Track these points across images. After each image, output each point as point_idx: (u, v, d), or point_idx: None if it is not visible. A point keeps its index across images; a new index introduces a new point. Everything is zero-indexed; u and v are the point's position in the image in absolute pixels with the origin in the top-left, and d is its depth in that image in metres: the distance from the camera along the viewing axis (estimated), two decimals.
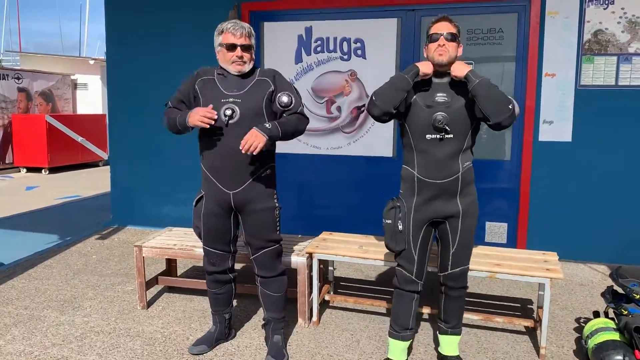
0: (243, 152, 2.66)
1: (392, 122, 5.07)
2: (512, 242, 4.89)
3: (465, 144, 2.70)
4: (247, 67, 2.88)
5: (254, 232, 2.95)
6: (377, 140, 5.12)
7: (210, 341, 3.18)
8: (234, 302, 3.29)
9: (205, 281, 3.20)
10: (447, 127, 2.62)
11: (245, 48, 2.84)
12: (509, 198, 4.88)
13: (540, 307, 3.27)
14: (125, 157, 5.91)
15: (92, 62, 13.13)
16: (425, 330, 3.44)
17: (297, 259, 3.46)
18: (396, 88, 2.62)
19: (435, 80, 2.71)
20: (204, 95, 2.89)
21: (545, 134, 4.69)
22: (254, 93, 2.86)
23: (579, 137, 4.62)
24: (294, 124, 2.85)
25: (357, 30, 5.06)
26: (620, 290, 3.14)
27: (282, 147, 5.43)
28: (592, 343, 2.93)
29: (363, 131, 5.16)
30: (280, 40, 5.29)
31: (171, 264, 4.15)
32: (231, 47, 2.82)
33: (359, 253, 3.42)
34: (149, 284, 3.85)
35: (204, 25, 5.43)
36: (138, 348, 3.18)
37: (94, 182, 9.52)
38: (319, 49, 5.18)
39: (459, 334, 2.96)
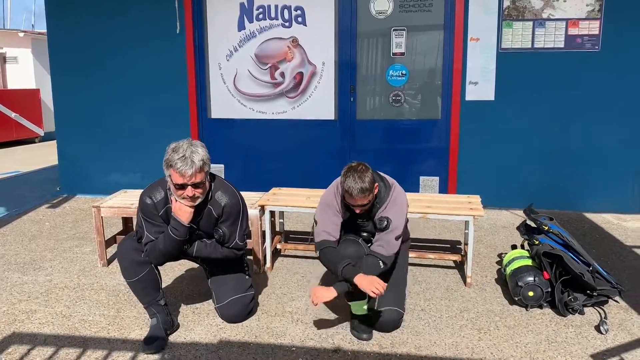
0: None
1: (332, 86, 5.41)
2: (443, 193, 5.36)
3: None
4: (200, 201, 2.77)
5: (225, 279, 3.07)
6: (320, 104, 5.44)
7: (161, 332, 2.87)
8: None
9: None
10: (371, 238, 3.02)
11: (197, 185, 2.69)
12: (440, 153, 5.34)
13: (466, 243, 3.72)
14: (71, 127, 5.96)
15: (21, 34, 12.58)
16: None
17: (250, 212, 3.74)
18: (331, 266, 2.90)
19: None
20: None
21: (471, 94, 5.15)
22: (205, 225, 2.88)
23: (500, 95, 5.11)
24: (216, 255, 2.92)
25: None
26: (532, 224, 3.63)
27: (229, 113, 5.68)
28: (509, 270, 3.41)
29: (306, 96, 5.46)
30: (223, 8, 5.46)
31: (127, 224, 4.34)
32: (180, 187, 2.68)
33: (307, 203, 3.75)
34: (108, 243, 4.04)
35: None
36: (103, 299, 3.41)
37: (33, 158, 9.35)
38: (260, 16, 5.39)
39: None
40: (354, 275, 2.71)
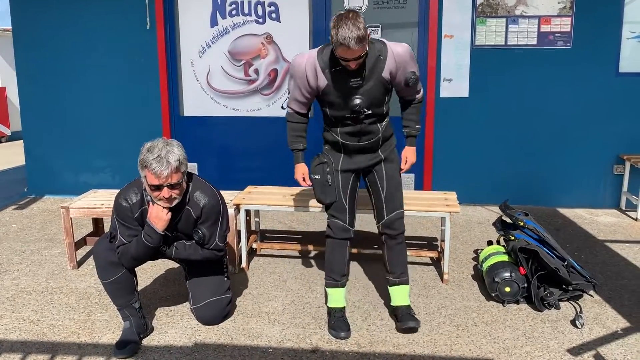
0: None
1: None
2: (419, 190, 5.37)
3: (383, 112, 2.87)
4: (177, 202, 2.69)
5: (202, 280, 3.00)
6: None
7: (134, 336, 2.79)
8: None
9: None
10: (365, 110, 2.76)
11: (173, 186, 2.61)
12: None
13: (443, 240, 3.72)
14: (38, 127, 5.78)
15: None
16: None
17: None
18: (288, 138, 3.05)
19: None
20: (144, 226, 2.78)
21: (446, 91, 5.16)
22: (183, 227, 2.82)
23: (474, 92, 5.13)
24: (196, 257, 2.86)
25: None
26: (508, 219, 3.65)
27: (203, 110, 5.59)
28: (485, 266, 3.41)
29: (281, 93, 5.40)
30: (195, 3, 5.36)
31: (98, 225, 4.23)
32: (156, 189, 2.60)
33: (283, 202, 3.70)
34: (77, 245, 3.92)
35: None
36: (74, 302, 3.30)
37: None
38: (234, 12, 5.31)
39: (406, 282, 3.03)
40: (295, 164, 3.08)
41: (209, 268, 3.02)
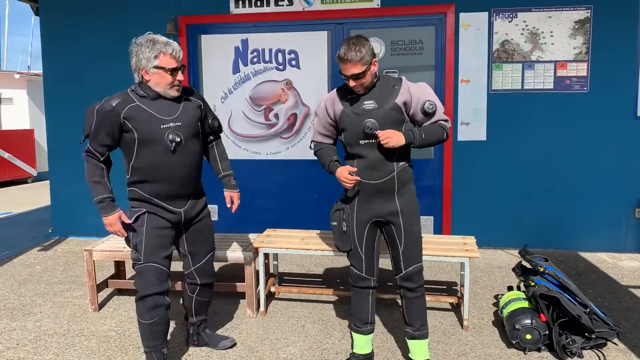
0: None
1: None
2: (438, 233, 5.35)
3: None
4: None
5: (202, 239, 3.11)
6: None
7: None
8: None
9: None
10: (376, 133, 2.70)
11: (183, 70, 2.83)
12: (433, 193, 5.36)
13: (462, 285, 3.70)
14: (65, 169, 5.94)
15: (17, 76, 12.70)
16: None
17: (244, 254, 3.72)
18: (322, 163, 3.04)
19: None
20: (138, 125, 2.79)
21: (463, 135, 5.21)
22: (188, 115, 2.89)
23: (492, 136, 5.17)
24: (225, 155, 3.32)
25: (290, 42, 5.41)
26: (528, 265, 3.62)
27: None
28: (506, 312, 3.37)
29: (300, 136, 5.50)
30: (218, 52, 5.55)
31: (120, 267, 4.29)
32: (174, 71, 2.75)
33: (301, 245, 3.73)
34: (99, 287, 3.98)
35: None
36: (94, 346, 3.33)
37: (25, 199, 9.30)
38: (255, 59, 5.48)
39: (425, 337, 2.96)
40: (336, 169, 2.88)
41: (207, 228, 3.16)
